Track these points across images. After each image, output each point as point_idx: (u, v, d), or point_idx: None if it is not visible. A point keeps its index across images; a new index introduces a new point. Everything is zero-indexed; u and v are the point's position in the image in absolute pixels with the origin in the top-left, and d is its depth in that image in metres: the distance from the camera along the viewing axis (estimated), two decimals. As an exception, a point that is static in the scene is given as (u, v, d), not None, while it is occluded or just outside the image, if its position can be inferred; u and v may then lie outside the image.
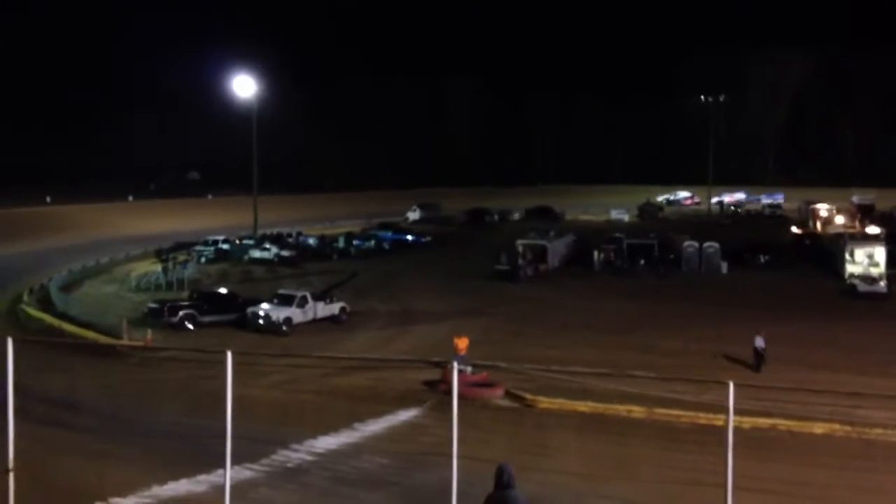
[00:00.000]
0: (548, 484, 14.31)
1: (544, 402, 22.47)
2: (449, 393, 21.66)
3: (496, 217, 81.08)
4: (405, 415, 21.50)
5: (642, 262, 49.42)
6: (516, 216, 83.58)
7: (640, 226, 73.34)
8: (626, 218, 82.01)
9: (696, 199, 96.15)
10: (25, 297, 38.66)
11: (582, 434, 19.01)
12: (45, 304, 37.44)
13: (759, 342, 27.29)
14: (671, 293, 43.18)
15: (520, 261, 48.53)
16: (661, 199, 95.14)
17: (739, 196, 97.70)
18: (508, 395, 23.38)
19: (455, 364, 9.89)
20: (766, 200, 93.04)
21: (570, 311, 38.57)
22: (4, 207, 72.84)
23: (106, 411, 21.00)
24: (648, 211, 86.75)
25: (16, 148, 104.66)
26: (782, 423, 20.21)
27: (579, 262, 51.54)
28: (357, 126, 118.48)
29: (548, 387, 23.03)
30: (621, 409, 21.24)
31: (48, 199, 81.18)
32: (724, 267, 49.67)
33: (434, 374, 24.00)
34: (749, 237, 60.09)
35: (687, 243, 51.70)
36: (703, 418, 19.86)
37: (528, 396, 22.91)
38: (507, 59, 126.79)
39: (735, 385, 9.54)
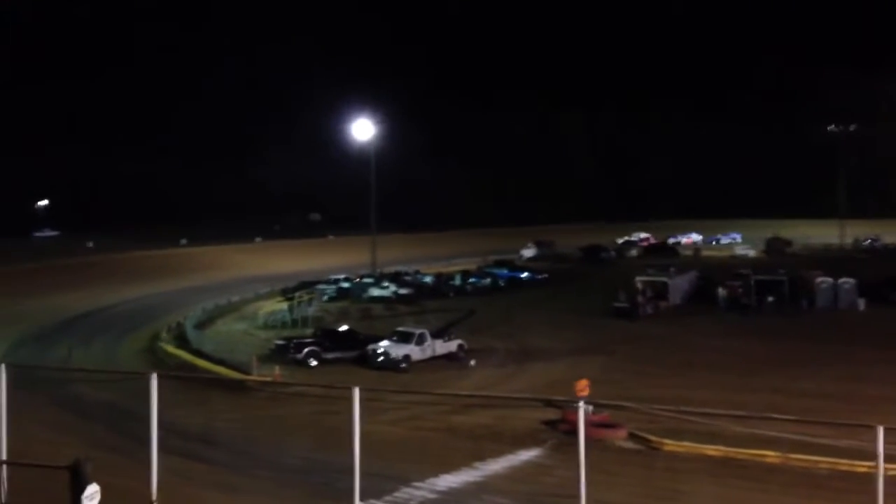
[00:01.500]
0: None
1: (670, 445, 21.69)
2: (570, 433, 21.41)
3: (613, 253, 79.81)
4: (526, 454, 21.27)
5: (771, 299, 47.28)
6: (634, 252, 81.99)
7: (768, 261, 70.38)
8: (751, 253, 78.97)
9: (653, 241, 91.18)
10: (163, 335, 40.98)
11: (714, 479, 18.23)
12: (181, 341, 39.52)
13: None
14: (804, 332, 41.04)
15: (639, 298, 47.44)
16: (620, 241, 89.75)
17: (695, 237, 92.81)
18: (632, 436, 22.75)
19: (582, 404, 9.77)
20: (724, 240, 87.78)
21: (693, 351, 37.25)
22: (145, 250, 77.97)
23: (239, 445, 21.87)
24: (776, 246, 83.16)
25: (154, 193, 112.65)
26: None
27: (703, 300, 49.85)
28: (472, 163, 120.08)
29: (673, 429, 22.20)
30: (754, 453, 20.24)
31: (183, 241, 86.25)
32: (862, 304, 46.84)
33: (554, 414, 23.70)
34: (888, 272, 56.48)
35: (820, 279, 49.12)
36: (844, 464, 18.68)
37: (653, 438, 22.18)
38: (624, 94, 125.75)
39: (885, 429, 8.98)
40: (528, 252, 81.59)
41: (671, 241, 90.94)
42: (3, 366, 11.82)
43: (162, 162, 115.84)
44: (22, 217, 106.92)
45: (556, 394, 24.82)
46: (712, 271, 57.31)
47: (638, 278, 50.53)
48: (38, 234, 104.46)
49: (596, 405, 22.17)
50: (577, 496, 10.09)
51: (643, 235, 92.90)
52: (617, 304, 46.71)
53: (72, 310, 49.13)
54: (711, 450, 20.80)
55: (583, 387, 24.09)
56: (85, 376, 29.98)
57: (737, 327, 42.67)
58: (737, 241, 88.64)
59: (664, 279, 50.83)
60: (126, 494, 12.05)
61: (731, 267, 60.05)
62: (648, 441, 22.25)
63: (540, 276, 64.02)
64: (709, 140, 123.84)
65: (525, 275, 64.13)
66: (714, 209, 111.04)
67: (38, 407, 24.26)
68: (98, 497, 9.79)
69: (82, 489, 9.65)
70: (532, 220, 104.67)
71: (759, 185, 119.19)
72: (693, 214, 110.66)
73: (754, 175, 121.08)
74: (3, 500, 10.39)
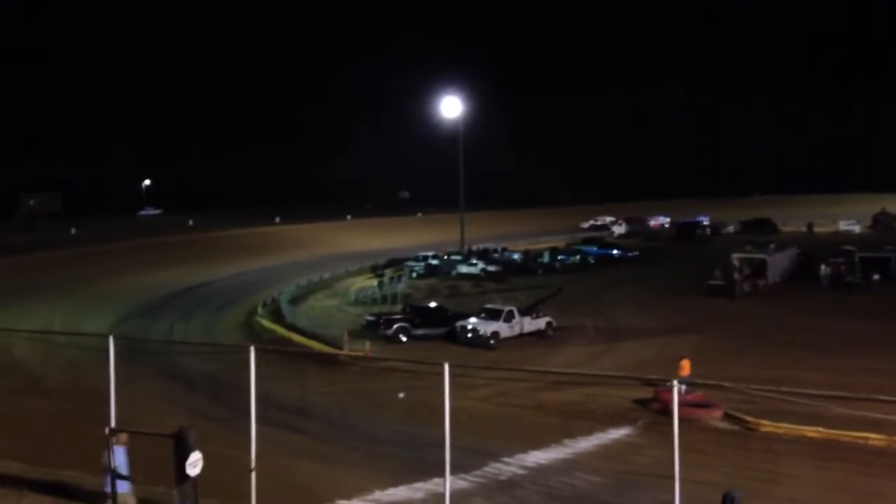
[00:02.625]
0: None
1: (767, 426, 21.04)
2: (662, 412, 21.04)
3: (708, 230, 77.56)
4: (616, 433, 21.06)
5: (877, 276, 45.01)
6: (730, 229, 79.49)
7: (874, 237, 67.02)
8: (856, 229, 75.29)
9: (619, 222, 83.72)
10: (259, 310, 42.33)
11: (814, 462, 17.61)
12: (276, 315, 40.73)
13: None
14: (912, 311, 38.99)
15: (736, 275, 45.99)
16: (585, 224, 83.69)
17: (662, 219, 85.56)
18: (727, 417, 22.17)
19: (675, 383, 9.54)
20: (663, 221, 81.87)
21: (792, 330, 35.87)
22: (241, 228, 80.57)
23: (332, 417, 22.46)
24: (883, 221, 79.01)
25: (248, 175, 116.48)
26: None
27: (804, 278, 47.95)
28: (562, 139, 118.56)
29: (770, 409, 21.50)
30: (857, 435, 19.43)
31: (277, 219, 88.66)
32: (977, 282, 44.12)
33: (645, 392, 23.33)
34: None
35: (930, 256, 46.48)
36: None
37: (750, 419, 21.56)
38: (717, 61, 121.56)
39: None
40: (620, 229, 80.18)
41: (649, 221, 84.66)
42: (111, 338, 12.40)
43: (255, 144, 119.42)
44: (127, 197, 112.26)
45: (647, 373, 24.43)
46: (815, 248, 55.05)
47: (735, 255, 48.97)
48: (142, 212, 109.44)
49: (690, 384, 21.73)
50: (670, 476, 9.87)
51: (609, 219, 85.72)
52: (712, 282, 45.41)
53: (173, 285, 51.27)
54: (811, 431, 20.11)
55: (685, 366, 23.58)
56: (187, 349, 31.30)
57: (840, 306, 40.86)
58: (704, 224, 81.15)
59: (763, 256, 49.09)
60: (226, 462, 12.52)
61: (834, 243, 57.49)
62: (744, 422, 21.66)
63: (631, 254, 62.92)
64: (812, 114, 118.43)
65: (616, 252, 63.13)
66: (821, 184, 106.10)
67: (143, 377, 25.49)
68: (201, 464, 10.21)
69: (186, 456, 10.08)
70: (624, 197, 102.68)
71: (866, 159, 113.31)
72: (799, 190, 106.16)
73: (861, 148, 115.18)
74: (111, 466, 10.92)
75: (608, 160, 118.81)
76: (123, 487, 10.81)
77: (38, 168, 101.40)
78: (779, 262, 49.51)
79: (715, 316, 39.22)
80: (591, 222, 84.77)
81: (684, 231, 76.98)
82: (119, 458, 10.75)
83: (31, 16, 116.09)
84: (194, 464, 10.12)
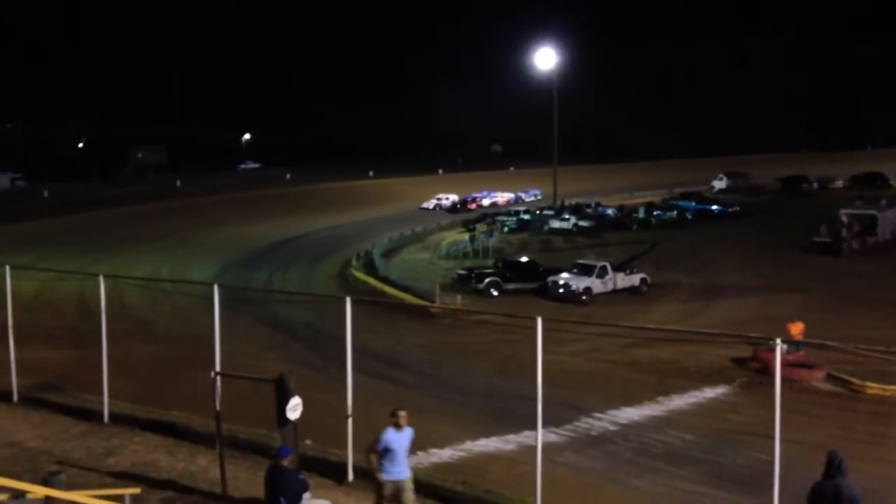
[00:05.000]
0: (885, 477, 12.89)
1: (874, 388, 20.21)
2: (761, 372, 20.45)
3: (815, 185, 74.09)
4: (712, 392, 20.64)
5: None
6: (839, 184, 75.66)
7: None
8: (979, 184, 70.56)
9: (480, 204, 68.65)
10: (353, 262, 43.19)
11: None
12: (370, 268, 41.47)
13: None
14: None
15: (843, 232, 43.90)
16: (428, 205, 69.40)
17: (498, 195, 72.65)
18: (830, 378, 21.38)
19: (778, 342, 9.20)
20: (526, 198, 71.43)
21: (903, 290, 34.14)
22: (336, 182, 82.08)
23: (425, 368, 22.82)
24: None
25: (343, 129, 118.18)
26: None
27: (918, 235, 45.42)
28: (661, 92, 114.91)
29: (878, 371, 20.63)
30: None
31: (371, 173, 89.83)
32: None
33: (743, 351, 22.71)
34: None
35: None
36: None
37: (855, 381, 20.74)
38: (827, 5, 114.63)
39: None
40: (720, 184, 77.55)
41: (481, 197, 70.34)
42: (216, 286, 12.86)
43: (353, 99, 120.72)
44: (228, 150, 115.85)
45: (746, 331, 23.76)
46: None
47: (843, 211, 46.67)
48: (242, 166, 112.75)
49: (791, 343, 21.00)
50: (768, 435, 9.60)
51: (454, 197, 70.69)
52: (818, 239, 43.54)
53: (271, 237, 52.81)
54: (922, 396, 19.20)
55: (798, 331, 22.75)
56: (285, 298, 32.27)
57: (958, 266, 38.55)
58: (538, 198, 71.92)
59: (873, 212, 46.64)
60: (323, 408, 12.91)
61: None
62: (849, 383, 20.86)
63: (731, 209, 60.85)
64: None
65: (715, 207, 61.18)
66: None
67: (244, 325, 26.45)
68: (300, 409, 10.53)
69: (286, 401, 10.42)
70: (725, 151, 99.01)
71: None
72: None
73: None
74: (217, 409, 11.39)
75: (710, 112, 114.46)
76: (404, 474, 9.39)
77: (145, 124, 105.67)
78: (890, 219, 47.00)
79: (820, 274, 37.69)
80: (434, 201, 70.33)
81: (790, 186, 73.75)
82: (396, 441, 9.35)
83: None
84: (294, 408, 10.44)
